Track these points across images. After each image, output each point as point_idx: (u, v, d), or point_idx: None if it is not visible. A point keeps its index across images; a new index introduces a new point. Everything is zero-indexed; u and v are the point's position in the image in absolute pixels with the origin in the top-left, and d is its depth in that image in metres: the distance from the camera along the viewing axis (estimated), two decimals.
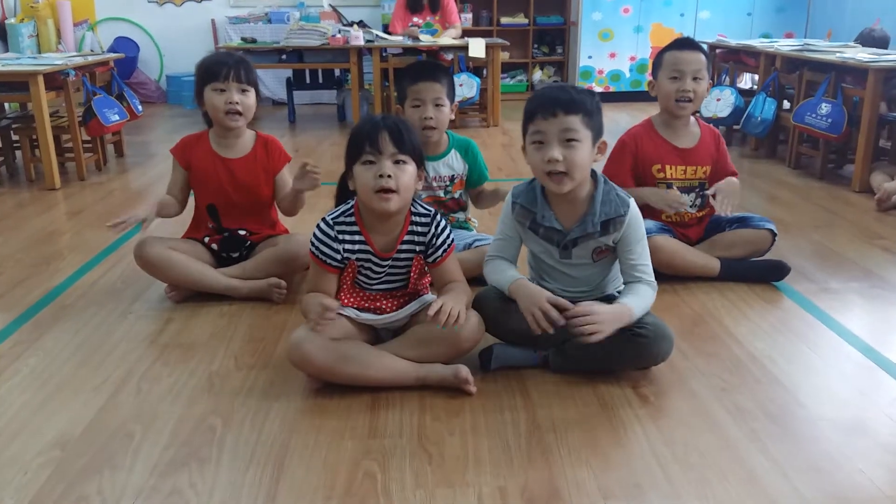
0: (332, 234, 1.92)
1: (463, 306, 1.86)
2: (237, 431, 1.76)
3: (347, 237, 1.93)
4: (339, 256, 1.92)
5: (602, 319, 1.82)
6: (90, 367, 2.08)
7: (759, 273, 2.63)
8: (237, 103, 2.44)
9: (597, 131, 1.88)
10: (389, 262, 1.96)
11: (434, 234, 1.95)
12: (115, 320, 2.39)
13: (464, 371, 1.89)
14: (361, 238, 1.93)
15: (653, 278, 1.98)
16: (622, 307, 1.88)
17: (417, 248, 1.96)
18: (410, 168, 1.88)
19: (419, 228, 1.96)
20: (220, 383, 1.98)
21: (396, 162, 1.85)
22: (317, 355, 1.84)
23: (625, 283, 2.01)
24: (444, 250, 1.97)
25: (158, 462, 1.64)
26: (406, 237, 1.95)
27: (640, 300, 1.92)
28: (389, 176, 1.82)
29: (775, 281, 2.63)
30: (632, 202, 1.96)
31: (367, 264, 1.96)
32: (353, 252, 1.93)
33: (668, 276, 2.51)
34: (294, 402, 1.88)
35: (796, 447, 1.67)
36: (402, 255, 1.96)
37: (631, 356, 1.93)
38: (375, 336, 2.04)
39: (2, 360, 2.13)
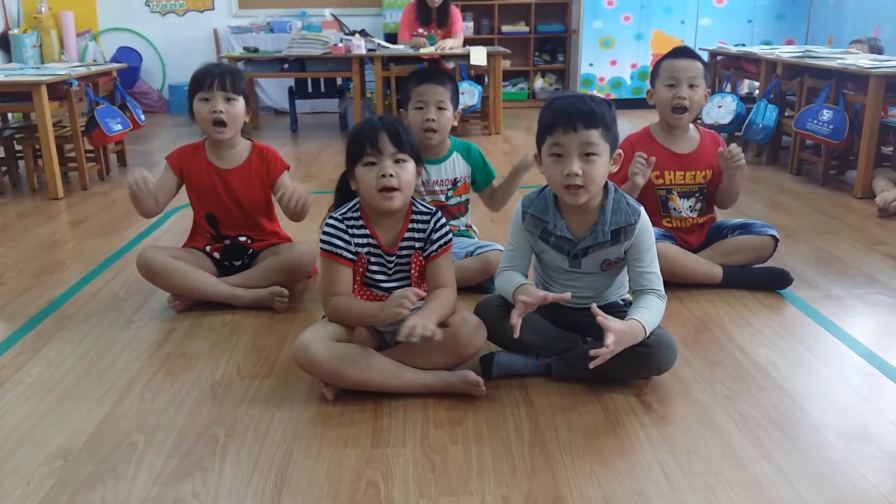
0: (343, 227, 1.96)
1: (430, 322, 1.80)
2: (240, 441, 1.75)
3: (356, 231, 1.97)
4: (351, 248, 1.96)
5: (618, 343, 1.77)
6: (93, 377, 2.08)
7: (763, 282, 2.63)
8: (221, 112, 2.43)
9: (613, 143, 1.87)
10: (395, 258, 1.99)
11: (433, 228, 1.99)
12: (117, 330, 2.39)
13: (471, 374, 1.91)
14: (367, 232, 1.97)
15: (662, 288, 1.97)
16: (636, 326, 1.84)
17: (416, 245, 1.99)
18: (410, 166, 1.94)
19: (419, 225, 1.99)
20: (223, 393, 1.98)
21: (397, 161, 1.91)
22: (323, 357, 1.84)
23: (634, 292, 2.00)
24: (440, 246, 1.99)
25: (162, 472, 1.64)
26: (407, 233, 1.99)
27: (652, 315, 1.89)
28: (392, 175, 1.88)
29: (778, 289, 2.62)
30: (642, 210, 1.96)
31: (376, 259, 1.99)
32: (363, 246, 1.97)
33: (670, 283, 2.50)
34: (297, 411, 1.88)
35: (800, 454, 1.67)
36: (405, 252, 2.00)
37: (634, 365, 1.92)
38: (381, 341, 2.06)
39: (5, 370, 2.13)
